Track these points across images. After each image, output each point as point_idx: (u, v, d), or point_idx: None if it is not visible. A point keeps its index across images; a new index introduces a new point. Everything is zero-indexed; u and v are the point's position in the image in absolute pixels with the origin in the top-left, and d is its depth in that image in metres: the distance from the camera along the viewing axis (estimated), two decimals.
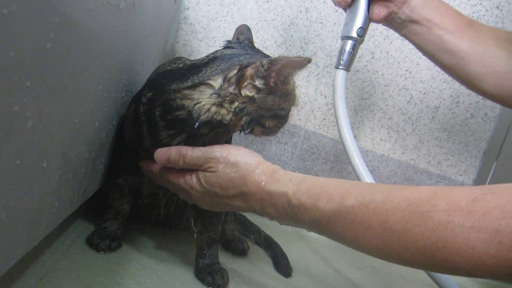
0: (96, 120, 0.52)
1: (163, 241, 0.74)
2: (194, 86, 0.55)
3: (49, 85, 0.33)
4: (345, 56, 0.74)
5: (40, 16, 0.29)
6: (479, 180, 1.22)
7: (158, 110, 0.57)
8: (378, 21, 0.74)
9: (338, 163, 1.13)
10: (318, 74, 1.08)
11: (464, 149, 1.20)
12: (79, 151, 0.48)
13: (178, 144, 0.58)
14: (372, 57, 1.10)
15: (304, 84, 1.08)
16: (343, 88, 0.75)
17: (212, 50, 1.02)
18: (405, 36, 0.75)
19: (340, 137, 0.75)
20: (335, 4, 0.76)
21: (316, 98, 1.10)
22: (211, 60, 0.56)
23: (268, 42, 1.06)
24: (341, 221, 0.45)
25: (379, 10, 0.72)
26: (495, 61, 0.68)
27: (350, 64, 0.75)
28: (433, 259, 0.38)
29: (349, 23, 0.73)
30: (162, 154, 0.57)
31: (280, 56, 0.53)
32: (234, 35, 0.66)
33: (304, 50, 1.07)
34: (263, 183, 0.53)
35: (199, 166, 0.56)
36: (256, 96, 0.53)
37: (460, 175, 1.21)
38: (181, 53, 1.03)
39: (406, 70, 1.11)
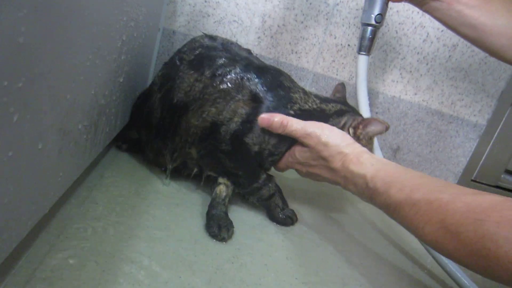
0: (92, 88, 0.52)
1: (177, 196, 0.77)
2: None
3: (29, 76, 0.33)
4: (366, 42, 0.78)
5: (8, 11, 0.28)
6: (494, 121, 1.19)
7: None
8: (397, 2, 0.74)
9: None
10: (328, 13, 1.03)
11: (480, 89, 1.15)
12: (76, 122, 0.49)
13: None
14: None
15: (312, 24, 1.03)
16: (365, 73, 0.80)
17: None
18: (426, 11, 0.73)
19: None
20: None
21: (325, 39, 1.05)
22: (338, 112, 0.73)
23: None
24: (406, 211, 0.51)
25: None
26: None
27: (371, 49, 0.79)
28: (478, 264, 0.43)
29: (367, 10, 0.75)
30: (265, 119, 0.65)
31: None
32: (332, 92, 0.82)
33: None
34: (347, 163, 0.61)
35: (296, 137, 0.66)
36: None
37: (474, 115, 1.18)
38: None
39: None
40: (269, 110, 0.67)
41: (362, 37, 0.77)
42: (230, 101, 0.67)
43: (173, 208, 0.72)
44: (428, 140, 1.19)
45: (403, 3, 0.74)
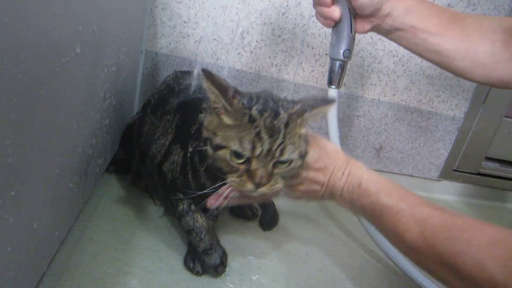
0: (79, 147, 0.56)
1: (168, 223, 0.82)
2: None
3: (20, 182, 0.37)
4: (335, 76, 0.78)
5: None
6: (471, 113, 1.23)
7: None
8: (363, 33, 0.75)
9: (326, 116, 1.15)
10: (304, 25, 1.05)
11: (456, 84, 1.19)
12: (66, 184, 0.54)
13: None
14: None
15: (289, 37, 1.06)
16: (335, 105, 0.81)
17: (192, 12, 0.99)
18: (392, 39, 0.75)
19: None
20: (322, 23, 0.75)
21: (303, 51, 1.08)
22: None
23: None
24: (390, 216, 0.56)
25: (363, 25, 0.73)
26: (480, 55, 0.69)
27: (340, 82, 0.79)
28: (445, 276, 0.49)
29: (335, 45, 0.75)
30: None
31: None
32: None
33: (288, 2, 1.02)
34: (347, 164, 0.63)
35: None
36: None
37: (452, 109, 1.23)
38: (161, 18, 1.00)
39: None
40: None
41: (331, 71, 0.77)
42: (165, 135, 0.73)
43: (165, 236, 0.78)
44: (409, 137, 1.24)
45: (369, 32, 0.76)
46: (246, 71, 1.08)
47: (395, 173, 1.28)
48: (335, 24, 0.73)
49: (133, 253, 0.72)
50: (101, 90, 0.65)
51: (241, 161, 0.55)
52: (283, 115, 0.55)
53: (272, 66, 1.08)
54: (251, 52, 1.06)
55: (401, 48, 1.11)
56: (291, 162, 0.57)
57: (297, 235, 0.91)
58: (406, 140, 1.24)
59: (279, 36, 1.06)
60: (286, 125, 0.55)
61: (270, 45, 1.06)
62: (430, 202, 0.57)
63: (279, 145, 0.54)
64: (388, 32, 0.73)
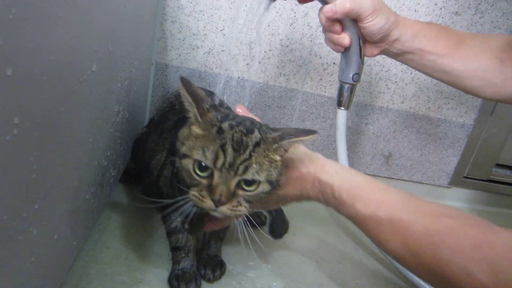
0: (95, 160, 0.59)
1: None
2: None
3: (43, 196, 0.39)
4: (344, 98, 0.79)
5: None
6: (480, 120, 1.23)
7: None
8: (371, 57, 0.76)
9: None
10: (311, 35, 1.07)
11: None
12: (83, 195, 0.56)
13: None
14: None
15: (297, 46, 1.08)
16: (344, 126, 0.83)
17: (201, 24, 1.02)
18: (401, 61, 0.76)
19: None
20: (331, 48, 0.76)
21: (311, 60, 1.10)
22: None
23: None
24: (371, 226, 0.55)
25: (372, 50, 0.74)
26: (489, 74, 0.70)
27: (349, 103, 0.80)
28: (435, 282, 0.48)
29: (344, 69, 0.76)
30: None
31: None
32: None
33: (295, 12, 1.04)
34: (314, 171, 0.60)
35: None
36: None
37: (461, 116, 1.23)
38: (171, 31, 1.03)
39: None
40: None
41: (340, 93, 0.79)
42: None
43: None
44: (418, 144, 1.25)
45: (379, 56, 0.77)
46: (255, 81, 1.09)
47: (405, 180, 1.29)
48: (345, 50, 0.74)
49: (147, 261, 0.74)
50: (115, 104, 0.67)
51: (204, 174, 0.53)
52: (256, 135, 0.54)
53: (280, 75, 1.10)
54: (260, 63, 1.08)
55: None
56: (257, 186, 0.55)
57: (307, 242, 0.92)
58: (415, 147, 1.25)
59: (287, 46, 1.07)
60: (257, 144, 0.54)
61: (278, 55, 1.08)
62: (410, 200, 0.54)
63: (244, 161, 0.53)
64: (397, 55, 0.75)
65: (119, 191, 0.92)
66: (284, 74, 1.10)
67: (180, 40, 1.05)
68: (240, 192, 0.54)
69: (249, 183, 0.54)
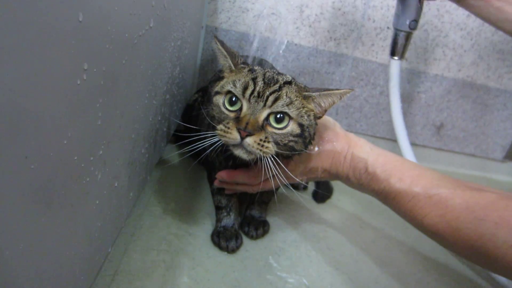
0: (149, 116, 0.61)
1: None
2: None
3: (106, 142, 0.42)
4: (399, 47, 0.74)
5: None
6: None
7: None
8: (431, 0, 0.73)
9: (388, 88, 1.12)
10: None
11: None
12: (139, 149, 0.59)
13: None
14: None
15: (350, 10, 1.04)
16: (397, 77, 0.77)
17: None
18: (462, 6, 0.72)
19: (393, 124, 0.77)
20: None
21: (363, 24, 1.05)
22: None
23: None
24: (405, 202, 0.53)
25: None
26: None
27: (404, 53, 0.75)
28: (477, 258, 0.46)
29: (400, 15, 0.70)
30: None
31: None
32: None
33: None
34: (348, 147, 0.61)
35: None
36: None
37: None
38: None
39: None
40: None
41: (394, 42, 0.73)
42: None
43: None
44: (474, 115, 1.18)
45: (439, 1, 0.72)
46: (304, 45, 1.07)
47: (456, 152, 1.24)
48: None
49: (195, 217, 0.76)
50: (168, 63, 0.69)
51: (233, 108, 0.55)
52: (288, 76, 0.57)
53: (330, 40, 1.07)
54: (310, 26, 1.06)
55: (471, 21, 1.06)
56: (287, 125, 0.54)
57: (351, 207, 0.92)
58: (470, 118, 1.19)
59: (339, 9, 1.04)
60: (288, 82, 0.56)
61: (330, 19, 1.05)
62: (447, 177, 0.53)
63: (274, 91, 0.53)
64: (459, 0, 0.70)
65: (169, 151, 0.95)
66: (334, 39, 1.07)
67: (231, 2, 1.04)
68: (269, 128, 0.53)
69: (279, 120, 0.54)
